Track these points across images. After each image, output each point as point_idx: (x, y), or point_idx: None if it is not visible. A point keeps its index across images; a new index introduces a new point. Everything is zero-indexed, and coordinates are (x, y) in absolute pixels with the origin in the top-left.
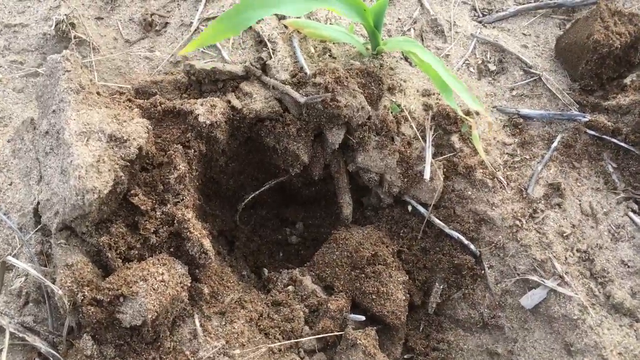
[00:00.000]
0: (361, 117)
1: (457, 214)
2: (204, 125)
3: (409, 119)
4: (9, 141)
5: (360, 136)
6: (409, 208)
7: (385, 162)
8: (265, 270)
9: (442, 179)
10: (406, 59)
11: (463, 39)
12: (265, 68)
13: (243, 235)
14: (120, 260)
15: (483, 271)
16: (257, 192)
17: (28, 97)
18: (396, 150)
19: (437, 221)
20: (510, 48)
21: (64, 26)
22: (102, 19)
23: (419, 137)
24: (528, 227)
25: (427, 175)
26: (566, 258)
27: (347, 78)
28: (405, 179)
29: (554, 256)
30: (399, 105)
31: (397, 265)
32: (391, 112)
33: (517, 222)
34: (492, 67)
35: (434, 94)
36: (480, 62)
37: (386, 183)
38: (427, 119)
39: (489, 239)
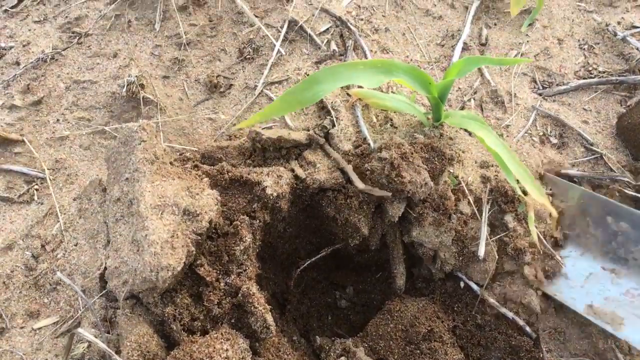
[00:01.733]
0: (424, 192)
1: (511, 295)
2: (271, 197)
3: (467, 195)
4: (74, 199)
5: (419, 211)
6: (461, 284)
7: (440, 239)
8: (318, 339)
9: (495, 258)
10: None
11: (523, 110)
12: (328, 137)
13: (294, 298)
14: (184, 332)
15: (541, 354)
16: (313, 259)
17: (94, 154)
18: (452, 229)
19: (491, 300)
20: (571, 123)
21: (134, 87)
22: (169, 78)
23: (476, 214)
24: None
25: (481, 252)
26: (629, 349)
27: (412, 154)
28: (460, 258)
29: (617, 346)
30: (456, 177)
31: (452, 342)
32: (450, 187)
33: None
34: (554, 141)
35: (492, 166)
36: (541, 134)
37: (439, 260)
38: (485, 193)
39: (548, 322)
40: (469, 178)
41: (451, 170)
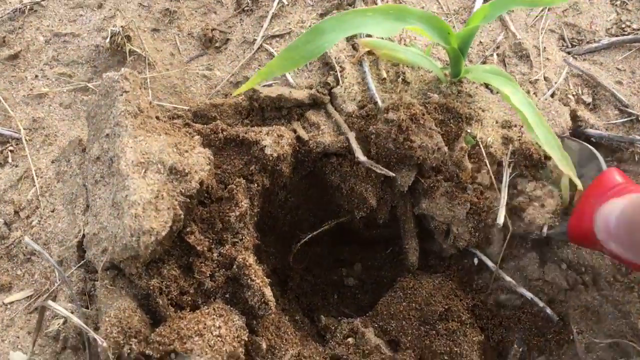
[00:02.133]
0: (436, 159)
1: (531, 271)
2: (270, 158)
3: (485, 158)
4: (53, 162)
5: (431, 182)
6: (475, 261)
7: (453, 212)
8: (323, 318)
9: (511, 229)
10: (487, 85)
11: (552, 67)
12: (332, 95)
13: (297, 275)
14: (172, 308)
15: (571, 336)
16: (314, 233)
17: (76, 113)
18: (467, 201)
19: (507, 279)
20: (604, 83)
21: (119, 39)
22: (159, 31)
23: (494, 183)
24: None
25: (500, 220)
26: None
27: (423, 115)
28: (476, 233)
29: None
30: (474, 138)
31: (472, 322)
32: (466, 152)
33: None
34: (587, 100)
35: (515, 126)
36: (573, 93)
37: (452, 235)
38: (506, 156)
39: (578, 299)
40: (488, 139)
41: (469, 130)
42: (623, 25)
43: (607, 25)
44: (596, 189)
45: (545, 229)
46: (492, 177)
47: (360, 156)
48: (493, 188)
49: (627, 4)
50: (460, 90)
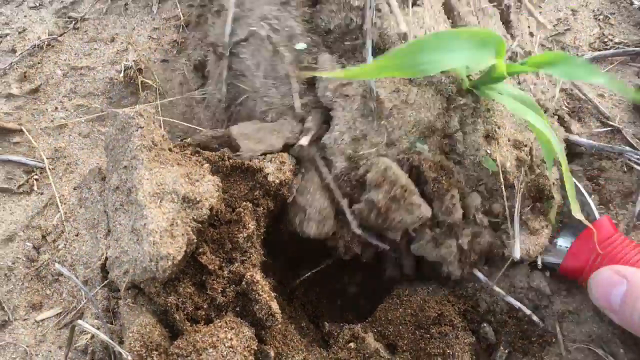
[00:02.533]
0: (418, 223)
1: (519, 281)
2: (273, 184)
3: (502, 189)
4: (74, 189)
5: (417, 231)
6: None
7: (441, 254)
8: (327, 325)
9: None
10: None
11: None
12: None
13: (302, 285)
14: (188, 322)
15: (554, 339)
16: (310, 272)
17: (94, 142)
18: (455, 246)
19: (496, 289)
20: (588, 96)
21: (132, 72)
22: (168, 62)
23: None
24: None
25: (516, 254)
26: None
27: (405, 192)
28: (467, 267)
29: None
30: (494, 160)
31: (463, 326)
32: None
33: None
34: (572, 112)
35: (526, 146)
36: (558, 106)
37: (444, 271)
38: (519, 182)
39: (561, 304)
40: (506, 164)
41: (488, 151)
42: (605, 39)
43: (591, 40)
44: (590, 238)
45: (539, 261)
46: (506, 208)
47: (355, 228)
48: (485, 226)
49: (609, 18)
50: (477, 106)
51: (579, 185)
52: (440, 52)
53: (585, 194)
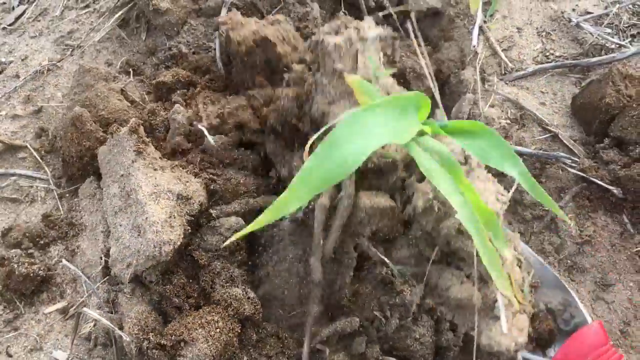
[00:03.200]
0: None
1: None
2: None
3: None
4: (75, 198)
5: None
6: None
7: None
8: None
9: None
10: None
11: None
12: None
13: None
14: (179, 309)
15: None
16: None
17: None
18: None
19: None
20: (529, 106)
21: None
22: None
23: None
24: None
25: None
26: None
27: None
28: None
29: None
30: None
31: None
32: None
33: None
34: (516, 120)
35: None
36: (504, 116)
37: None
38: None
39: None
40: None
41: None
42: (547, 54)
43: (534, 54)
44: (579, 345)
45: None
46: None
47: None
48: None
49: (551, 34)
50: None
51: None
52: (358, 138)
53: (561, 281)
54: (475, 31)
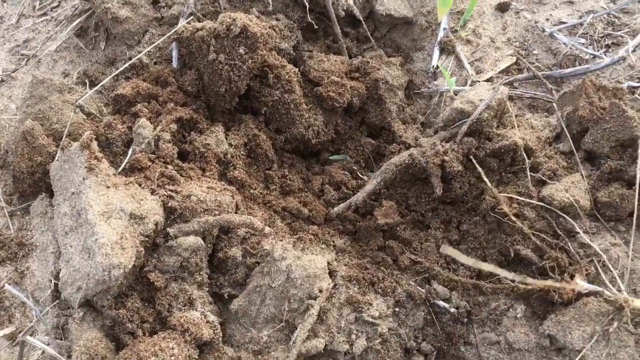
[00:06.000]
0: None
1: None
2: None
3: None
4: (25, 215)
5: None
6: None
7: None
8: None
9: None
10: None
11: None
12: None
13: None
14: (132, 335)
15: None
16: None
17: None
18: None
19: None
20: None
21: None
22: None
23: None
24: None
25: None
26: None
27: None
28: None
29: None
30: None
31: None
32: None
33: None
34: None
35: None
36: None
37: None
38: None
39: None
40: None
41: None
42: (521, 63)
43: (508, 64)
44: None
45: None
46: None
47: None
48: None
49: (524, 44)
50: None
51: None
52: None
53: None
54: (436, 49)
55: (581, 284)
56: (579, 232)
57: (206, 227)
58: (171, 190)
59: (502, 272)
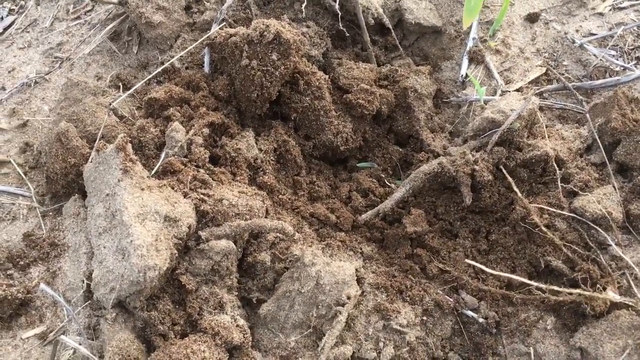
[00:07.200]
0: None
1: None
2: None
3: None
4: (58, 217)
5: None
6: None
7: None
8: None
9: None
10: None
11: None
12: None
13: None
14: (164, 337)
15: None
16: None
17: None
18: None
19: None
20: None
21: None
22: None
23: None
24: None
25: None
26: None
27: None
28: None
29: None
30: None
31: None
32: None
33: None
34: None
35: None
36: None
37: None
38: None
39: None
40: None
41: None
42: (550, 74)
43: (538, 75)
44: None
45: None
46: None
47: None
48: None
49: (554, 55)
50: None
51: None
52: None
53: None
54: (465, 58)
55: (613, 295)
56: (610, 245)
57: (238, 231)
58: (203, 194)
59: (532, 282)
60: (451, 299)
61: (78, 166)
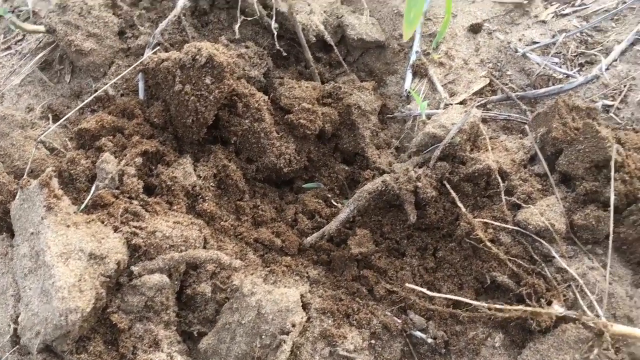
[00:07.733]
0: None
1: None
2: None
3: None
4: None
5: None
6: None
7: None
8: None
9: None
10: None
11: None
12: None
13: None
14: None
15: None
16: None
17: None
18: None
19: None
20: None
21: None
22: None
23: None
24: None
25: None
26: None
27: None
28: None
29: None
30: None
31: None
32: None
33: None
34: None
35: None
36: None
37: None
38: None
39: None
40: None
41: None
42: (494, 85)
43: (482, 85)
44: None
45: None
46: None
47: None
48: None
49: (497, 65)
50: None
51: None
52: None
53: None
54: (409, 72)
55: (558, 309)
56: (555, 257)
57: (171, 264)
58: (135, 227)
59: (474, 302)
60: (399, 320)
61: (5, 204)
